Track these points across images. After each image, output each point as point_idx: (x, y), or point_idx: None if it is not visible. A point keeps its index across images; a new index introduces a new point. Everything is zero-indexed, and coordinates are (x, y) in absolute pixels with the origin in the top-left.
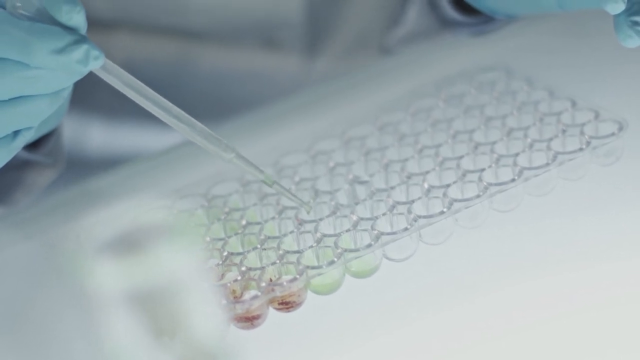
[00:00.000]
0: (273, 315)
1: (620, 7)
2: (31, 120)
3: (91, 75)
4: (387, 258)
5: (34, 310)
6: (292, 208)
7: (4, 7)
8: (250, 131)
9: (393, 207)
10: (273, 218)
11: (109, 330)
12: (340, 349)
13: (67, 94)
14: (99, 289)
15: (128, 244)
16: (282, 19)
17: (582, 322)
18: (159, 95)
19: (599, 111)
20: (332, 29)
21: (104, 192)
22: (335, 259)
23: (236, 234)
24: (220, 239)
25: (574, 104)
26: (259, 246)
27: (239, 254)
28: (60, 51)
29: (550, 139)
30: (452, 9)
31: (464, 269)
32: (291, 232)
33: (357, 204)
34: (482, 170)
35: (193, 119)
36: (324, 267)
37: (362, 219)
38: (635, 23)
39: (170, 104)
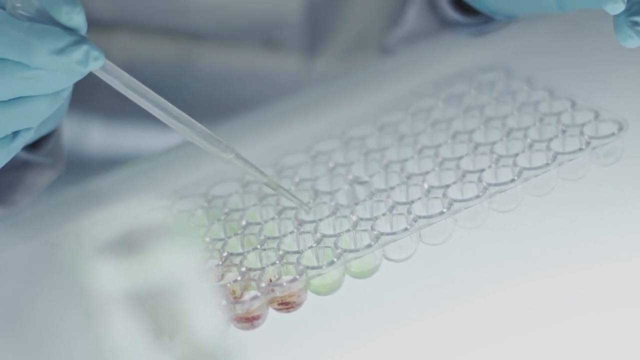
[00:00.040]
0: (273, 315)
1: (620, 7)
2: (31, 121)
3: (91, 76)
4: (387, 258)
5: (34, 310)
6: (292, 208)
7: (3, 8)
8: (250, 131)
9: (393, 207)
10: (273, 218)
11: (109, 331)
12: (340, 350)
13: (66, 94)
14: (99, 289)
15: (128, 244)
16: (282, 19)
17: (582, 323)
18: (158, 96)
19: (599, 111)
20: (332, 29)
21: (103, 192)
22: (335, 260)
23: (236, 234)
24: (220, 240)
25: (573, 104)
26: (258, 247)
27: (238, 254)
28: (60, 52)
29: (550, 139)
30: (451, 9)
31: (463, 270)
32: (291, 232)
33: (356, 204)
34: (482, 170)
35: (193, 120)
36: (324, 267)
37: (361, 219)
38: (635, 23)
39: (170, 105)
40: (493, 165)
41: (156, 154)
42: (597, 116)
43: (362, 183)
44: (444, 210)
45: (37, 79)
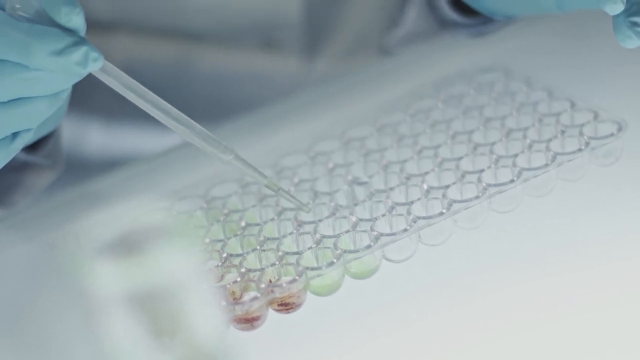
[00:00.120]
0: (272, 316)
1: (619, 7)
2: (30, 122)
3: (90, 77)
4: (387, 259)
5: (34, 310)
6: (292, 209)
7: (3, 9)
8: (249, 132)
9: (392, 208)
10: (272, 219)
11: (109, 331)
12: (340, 350)
13: (66, 95)
14: (99, 290)
15: (127, 245)
16: (281, 20)
17: (581, 323)
18: (158, 97)
19: (598, 112)
20: (332, 29)
21: (103, 193)
22: (335, 260)
23: (235, 235)
24: (220, 241)
25: (573, 104)
26: (258, 247)
27: (238, 255)
28: (60, 53)
29: (550, 140)
30: (451, 9)
31: (463, 270)
32: (290, 233)
33: (356, 205)
34: (482, 171)
35: (192, 121)
36: (324, 268)
37: (361, 220)
38: (634, 24)
39: (169, 106)
40: (492, 165)
41: (155, 155)
42: (596, 117)
43: (361, 184)
44: (444, 210)
45: (37, 80)
